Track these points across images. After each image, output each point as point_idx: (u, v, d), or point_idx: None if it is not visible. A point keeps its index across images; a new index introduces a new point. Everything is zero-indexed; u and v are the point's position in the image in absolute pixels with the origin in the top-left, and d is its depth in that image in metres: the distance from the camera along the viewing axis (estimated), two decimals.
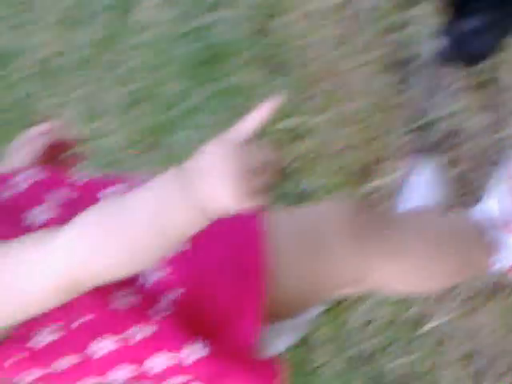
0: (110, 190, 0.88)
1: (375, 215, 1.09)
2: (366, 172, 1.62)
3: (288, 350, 1.00)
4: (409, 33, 1.70)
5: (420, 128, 1.52)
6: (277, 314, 0.91)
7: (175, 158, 1.36)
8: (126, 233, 0.66)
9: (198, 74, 2.02)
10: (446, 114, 1.51)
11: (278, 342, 0.97)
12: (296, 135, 1.79)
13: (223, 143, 0.64)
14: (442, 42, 1.13)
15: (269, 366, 0.91)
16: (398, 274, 1.01)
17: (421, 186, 1.44)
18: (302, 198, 1.67)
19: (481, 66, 1.32)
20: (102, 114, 2.09)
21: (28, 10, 2.36)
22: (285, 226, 0.96)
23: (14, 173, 0.89)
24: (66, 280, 0.66)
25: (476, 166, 1.47)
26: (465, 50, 1.09)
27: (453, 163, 1.48)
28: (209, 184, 0.62)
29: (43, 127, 1.02)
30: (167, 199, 0.65)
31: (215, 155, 0.63)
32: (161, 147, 1.98)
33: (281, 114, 1.61)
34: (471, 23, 1.04)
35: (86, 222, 0.68)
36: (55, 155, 1.01)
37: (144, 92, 2.08)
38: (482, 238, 1.09)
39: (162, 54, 2.12)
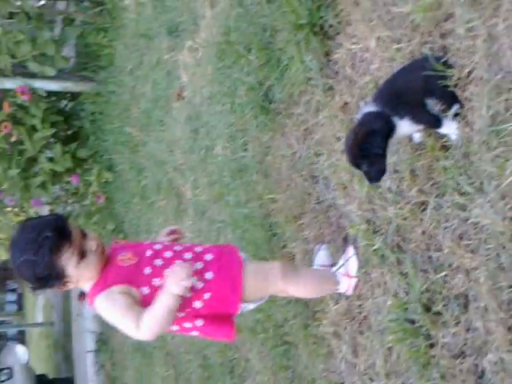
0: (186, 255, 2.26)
1: (292, 267, 2.57)
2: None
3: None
4: None
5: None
6: (245, 299, 2.27)
7: None
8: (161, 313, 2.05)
9: None
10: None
11: (247, 308, 2.35)
12: None
13: (170, 273, 2.05)
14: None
15: (233, 323, 2.28)
16: (299, 291, 2.47)
17: (319, 257, 2.66)
18: None
19: None
20: None
21: None
22: (254, 263, 2.45)
23: (155, 242, 2.36)
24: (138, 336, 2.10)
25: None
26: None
27: None
28: (171, 286, 2.02)
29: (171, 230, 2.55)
30: (167, 296, 2.04)
31: (169, 277, 2.04)
32: None
33: None
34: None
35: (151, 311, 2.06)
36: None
37: None
38: (332, 276, 2.50)
39: None
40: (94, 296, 2.12)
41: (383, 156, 1.92)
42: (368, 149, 1.89)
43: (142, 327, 2.04)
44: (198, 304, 2.17)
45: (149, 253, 2.21)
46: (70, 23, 6.08)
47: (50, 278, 2.07)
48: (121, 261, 2.18)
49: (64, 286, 2.14)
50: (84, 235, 2.13)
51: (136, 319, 2.04)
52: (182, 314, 2.17)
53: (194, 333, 2.29)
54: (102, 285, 2.11)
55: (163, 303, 2.02)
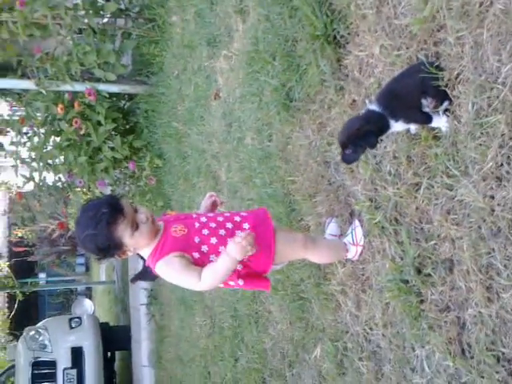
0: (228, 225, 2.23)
1: (311, 239, 2.48)
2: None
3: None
4: None
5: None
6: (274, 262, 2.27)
7: None
8: (219, 275, 2.06)
9: None
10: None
11: (274, 268, 2.34)
12: None
13: (235, 240, 1.99)
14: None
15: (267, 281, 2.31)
16: (316, 258, 2.52)
17: (330, 228, 2.66)
18: None
19: None
20: None
21: None
22: (282, 232, 2.38)
23: (201, 215, 2.30)
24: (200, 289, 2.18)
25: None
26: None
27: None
28: (235, 253, 1.98)
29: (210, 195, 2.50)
30: (227, 261, 2.02)
31: (233, 243, 1.99)
32: None
33: None
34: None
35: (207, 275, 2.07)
36: (214, 207, 2.49)
37: None
38: (343, 245, 2.48)
39: None
40: (156, 262, 2.10)
41: (364, 150, 1.94)
42: (359, 141, 1.88)
43: (203, 280, 2.04)
44: (239, 266, 2.16)
45: (197, 225, 2.19)
46: (127, 37, 6.07)
47: (110, 247, 2.06)
48: (174, 232, 2.15)
49: (124, 254, 2.13)
50: (135, 210, 2.11)
51: (196, 274, 2.05)
52: None
53: (237, 287, 2.30)
54: (160, 253, 2.10)
55: (224, 264, 2.02)
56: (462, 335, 1.87)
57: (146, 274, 6.24)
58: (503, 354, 1.72)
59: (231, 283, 2.24)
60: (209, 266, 2.06)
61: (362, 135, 1.89)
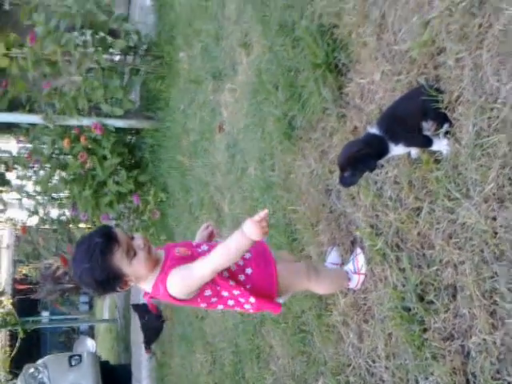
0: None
1: (313, 268, 2.37)
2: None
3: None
4: None
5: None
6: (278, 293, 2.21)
7: None
8: (231, 253, 1.91)
9: None
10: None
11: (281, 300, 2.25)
12: None
13: (253, 219, 1.83)
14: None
15: (279, 303, 2.20)
16: (319, 289, 2.42)
17: (331, 257, 2.61)
18: None
19: None
20: None
21: None
22: (283, 263, 2.29)
23: (200, 244, 2.22)
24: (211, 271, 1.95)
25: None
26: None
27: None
28: (251, 233, 1.82)
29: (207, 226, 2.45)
30: (241, 239, 1.86)
31: (251, 222, 1.82)
32: None
33: None
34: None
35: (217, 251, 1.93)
36: (210, 238, 2.40)
37: None
38: (345, 275, 2.42)
39: None
40: (165, 279, 1.99)
41: (363, 173, 1.93)
42: (358, 164, 1.86)
43: (214, 257, 1.92)
44: (241, 277, 2.11)
45: (199, 250, 2.13)
46: (135, 73, 6.17)
47: (109, 279, 1.96)
48: (177, 253, 2.08)
49: (125, 284, 2.02)
50: (131, 237, 2.02)
51: (205, 258, 1.95)
52: (237, 292, 2.09)
53: (247, 306, 2.15)
54: (167, 271, 2.00)
55: (238, 241, 1.87)
56: (467, 365, 1.80)
57: (150, 331, 6.27)
58: (509, 383, 1.64)
59: (242, 300, 2.12)
60: (221, 243, 1.95)
61: (362, 158, 1.87)
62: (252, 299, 2.11)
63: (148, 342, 6.49)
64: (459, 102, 1.82)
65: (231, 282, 2.08)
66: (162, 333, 6.38)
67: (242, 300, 2.13)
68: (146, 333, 6.35)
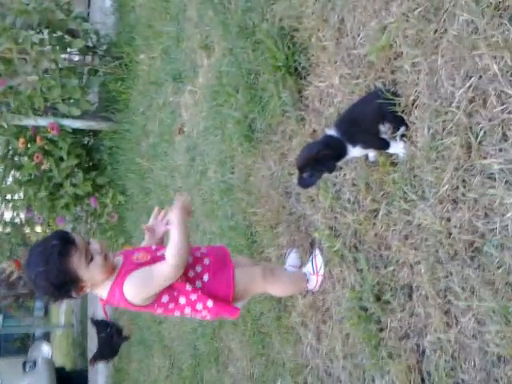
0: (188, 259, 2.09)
1: (270, 271, 2.35)
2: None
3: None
4: None
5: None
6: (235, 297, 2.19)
7: None
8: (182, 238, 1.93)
9: None
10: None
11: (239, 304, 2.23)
12: None
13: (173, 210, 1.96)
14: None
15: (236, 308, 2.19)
16: (276, 291, 2.44)
17: (290, 259, 2.62)
18: None
19: None
20: None
21: None
22: (240, 268, 2.28)
23: (160, 247, 2.18)
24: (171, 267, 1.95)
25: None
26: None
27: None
28: (179, 220, 1.93)
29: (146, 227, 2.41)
30: (177, 230, 1.93)
31: (171, 213, 1.95)
32: None
33: None
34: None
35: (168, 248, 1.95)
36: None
37: None
38: (303, 276, 2.43)
39: None
40: (122, 283, 1.96)
41: (321, 174, 1.93)
42: (317, 165, 1.87)
43: (170, 258, 1.93)
44: (199, 284, 2.11)
45: (159, 253, 2.09)
46: (94, 74, 6.06)
47: (65, 283, 1.91)
48: (136, 259, 2.05)
49: (81, 290, 1.98)
50: (87, 242, 1.99)
51: (162, 262, 1.96)
52: (194, 297, 2.09)
53: (204, 312, 2.14)
54: (124, 275, 1.97)
55: (176, 233, 1.92)
56: (422, 363, 1.83)
57: (106, 348, 6.06)
58: (463, 380, 1.68)
59: (199, 307, 2.10)
60: (167, 246, 1.96)
61: (321, 159, 1.88)
62: (210, 303, 2.10)
63: (96, 358, 6.29)
64: (415, 106, 1.85)
65: (188, 287, 2.06)
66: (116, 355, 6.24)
67: (199, 307, 2.11)
68: (101, 349, 6.15)
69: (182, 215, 1.94)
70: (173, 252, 1.93)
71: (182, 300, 2.08)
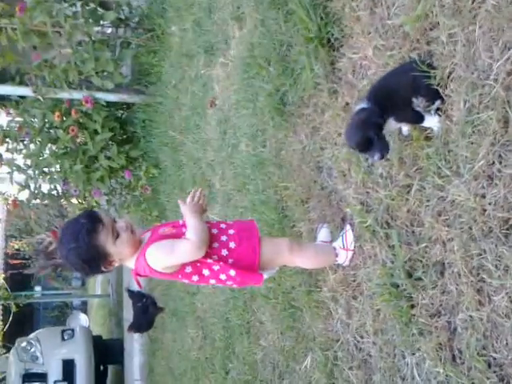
0: (213, 231, 2.21)
1: (297, 242, 2.47)
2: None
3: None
4: None
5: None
6: (261, 268, 2.23)
7: None
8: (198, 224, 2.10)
9: None
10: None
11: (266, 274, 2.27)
12: None
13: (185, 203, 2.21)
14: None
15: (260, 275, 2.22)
16: (303, 263, 2.44)
17: (321, 234, 2.58)
18: None
19: None
20: None
21: None
22: (267, 238, 2.44)
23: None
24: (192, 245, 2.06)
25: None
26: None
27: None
28: (188, 213, 2.14)
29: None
30: (189, 220, 2.12)
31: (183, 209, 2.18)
32: None
33: None
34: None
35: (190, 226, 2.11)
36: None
37: None
38: (332, 250, 2.43)
39: None
40: (144, 255, 2.07)
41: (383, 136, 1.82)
42: (370, 132, 1.78)
43: (191, 238, 2.05)
44: (224, 252, 2.16)
45: (183, 230, 2.15)
46: (126, 46, 6.08)
47: (95, 258, 2.05)
48: (162, 232, 2.16)
49: (110, 264, 2.12)
50: (114, 220, 2.12)
51: (183, 239, 2.07)
52: (217, 267, 2.14)
53: (229, 282, 2.21)
54: (146, 247, 2.08)
55: (192, 222, 2.10)
56: (453, 340, 1.82)
57: (141, 319, 6.21)
58: (494, 359, 1.66)
59: (222, 277, 2.16)
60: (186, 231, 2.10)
61: (371, 126, 1.79)
62: (232, 272, 2.14)
63: (133, 327, 6.46)
64: (451, 79, 1.80)
65: (209, 260, 2.12)
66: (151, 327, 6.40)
67: (222, 277, 2.17)
68: (137, 319, 6.33)
69: (190, 210, 2.14)
70: (193, 232, 2.06)
71: (206, 272, 2.14)
